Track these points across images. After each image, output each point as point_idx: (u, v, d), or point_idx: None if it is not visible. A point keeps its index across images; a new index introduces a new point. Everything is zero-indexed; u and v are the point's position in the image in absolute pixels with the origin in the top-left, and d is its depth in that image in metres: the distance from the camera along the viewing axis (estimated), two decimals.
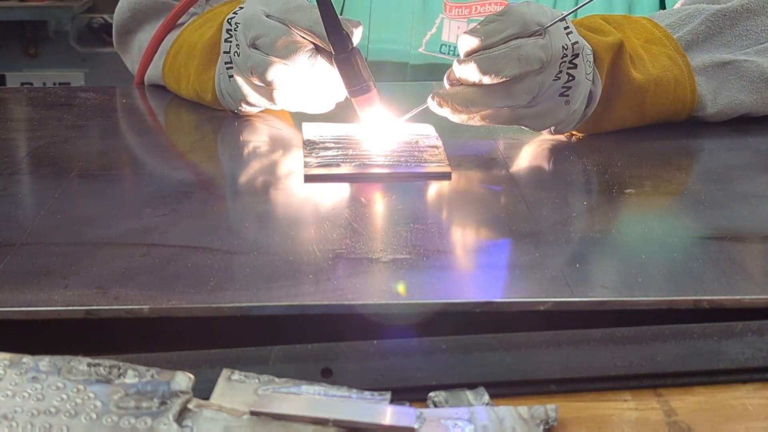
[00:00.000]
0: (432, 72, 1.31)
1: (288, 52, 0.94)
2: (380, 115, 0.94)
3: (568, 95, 0.93)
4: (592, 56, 0.94)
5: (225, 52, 1.01)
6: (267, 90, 0.99)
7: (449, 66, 0.93)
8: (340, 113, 0.99)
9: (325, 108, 0.99)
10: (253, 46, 0.97)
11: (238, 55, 0.99)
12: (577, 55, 0.91)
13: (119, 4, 1.25)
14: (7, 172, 0.89)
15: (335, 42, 0.91)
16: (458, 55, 0.92)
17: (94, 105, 1.15)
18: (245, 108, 1.04)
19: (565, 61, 0.91)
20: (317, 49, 0.95)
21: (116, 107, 1.15)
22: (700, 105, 1.01)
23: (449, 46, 1.30)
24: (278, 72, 0.96)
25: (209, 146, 1.00)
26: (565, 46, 0.90)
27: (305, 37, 0.95)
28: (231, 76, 1.01)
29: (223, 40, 1.02)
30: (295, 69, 0.95)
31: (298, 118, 1.03)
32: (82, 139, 1.00)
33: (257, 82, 0.99)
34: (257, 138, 1.02)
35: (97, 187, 0.85)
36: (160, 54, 1.18)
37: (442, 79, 0.93)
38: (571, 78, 0.92)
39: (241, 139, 1.03)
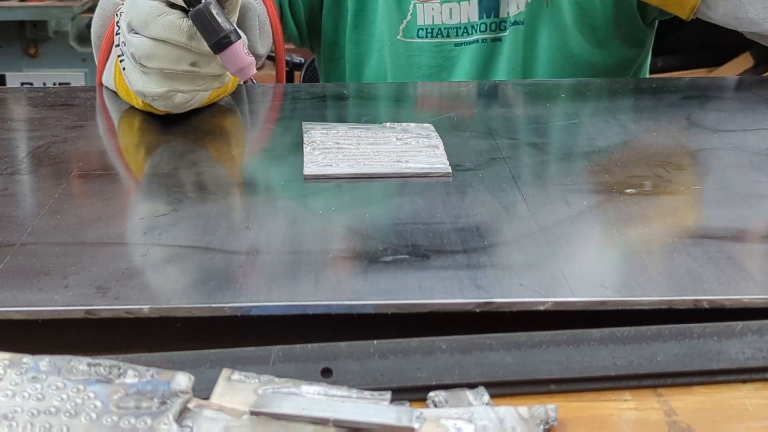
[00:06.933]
0: (412, 58, 1.31)
1: (160, 27, 0.87)
2: (248, 65, 0.87)
3: None
4: None
5: (116, 45, 0.95)
6: (158, 75, 0.90)
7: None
8: (340, 112, 0.99)
9: (225, 88, 0.91)
10: (133, 30, 0.90)
11: (125, 45, 0.92)
12: None
13: (93, 17, 1.19)
14: (7, 172, 0.89)
15: None
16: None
17: (94, 105, 1.15)
18: (159, 105, 0.96)
19: None
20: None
21: (116, 107, 1.15)
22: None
23: (426, 29, 1.30)
24: (158, 51, 0.88)
25: (209, 146, 1.00)
26: None
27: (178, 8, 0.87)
28: (124, 69, 0.94)
29: (115, 33, 0.95)
30: (174, 45, 0.88)
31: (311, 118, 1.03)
32: (82, 139, 1.00)
33: (144, 69, 0.91)
34: (257, 138, 1.03)
35: (97, 187, 0.85)
36: (111, 62, 1.12)
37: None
38: None
39: (241, 138, 1.03)
